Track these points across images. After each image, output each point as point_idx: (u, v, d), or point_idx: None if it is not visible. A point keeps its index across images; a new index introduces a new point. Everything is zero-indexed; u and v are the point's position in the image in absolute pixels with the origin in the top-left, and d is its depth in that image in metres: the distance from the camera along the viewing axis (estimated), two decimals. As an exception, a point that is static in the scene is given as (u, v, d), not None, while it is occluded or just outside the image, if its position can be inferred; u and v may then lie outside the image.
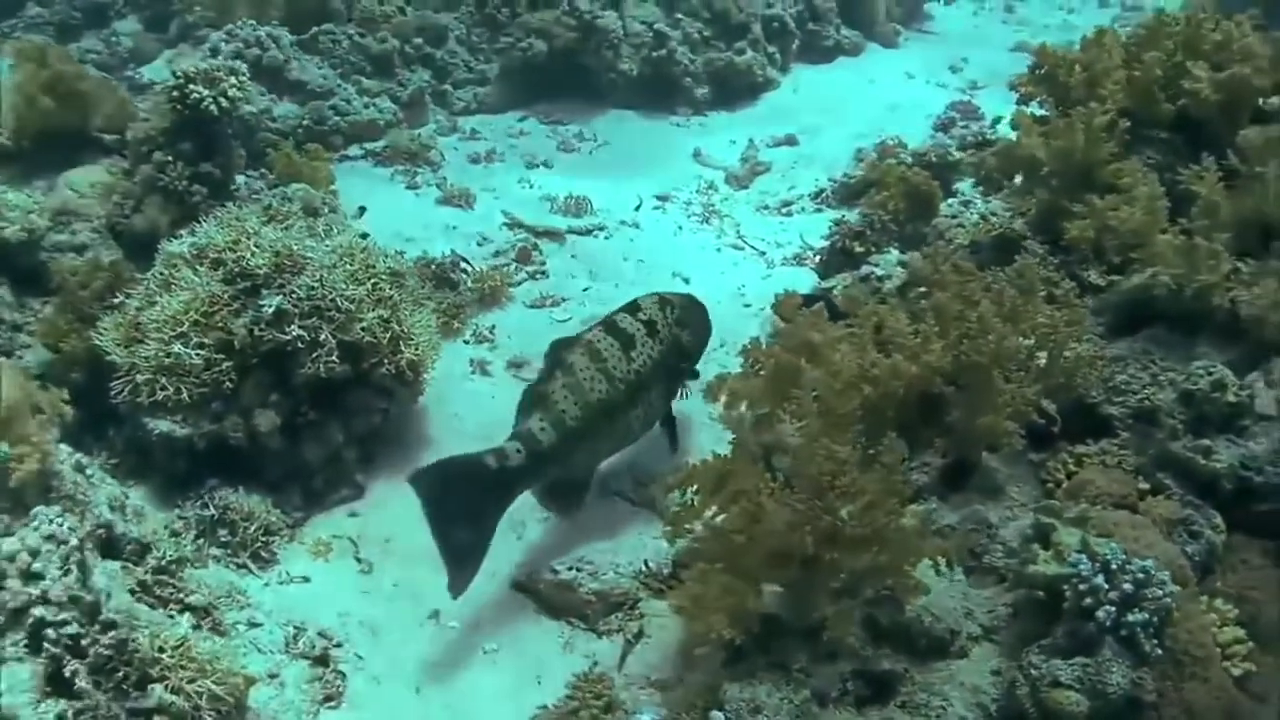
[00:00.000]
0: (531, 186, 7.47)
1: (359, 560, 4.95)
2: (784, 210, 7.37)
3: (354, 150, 7.56)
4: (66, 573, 3.82)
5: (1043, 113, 5.40)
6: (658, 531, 5.09)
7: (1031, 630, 3.50)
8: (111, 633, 3.78)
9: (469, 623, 4.72)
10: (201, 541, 4.76)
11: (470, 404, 5.68)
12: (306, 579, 4.84)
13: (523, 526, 5.14)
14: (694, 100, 8.43)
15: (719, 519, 3.54)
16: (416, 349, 5.12)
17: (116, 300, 5.16)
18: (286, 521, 4.98)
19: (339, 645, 4.54)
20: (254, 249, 5.01)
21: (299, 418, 5.03)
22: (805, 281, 6.47)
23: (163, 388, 4.86)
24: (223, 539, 4.82)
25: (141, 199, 5.68)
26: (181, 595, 4.32)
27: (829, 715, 3.39)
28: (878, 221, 5.76)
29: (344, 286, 4.97)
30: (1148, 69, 5.00)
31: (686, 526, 3.59)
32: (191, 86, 5.60)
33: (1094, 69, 5.17)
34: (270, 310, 4.87)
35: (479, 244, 6.66)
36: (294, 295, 4.90)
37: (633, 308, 5.12)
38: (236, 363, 4.92)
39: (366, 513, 5.15)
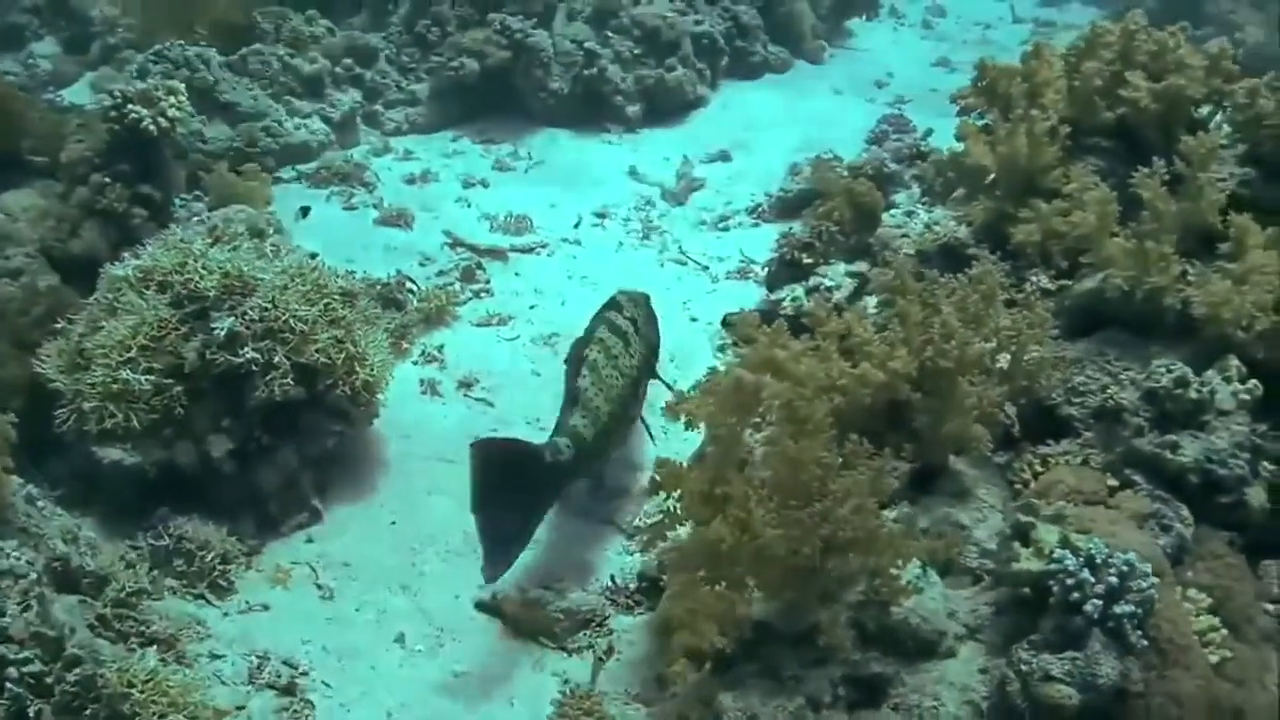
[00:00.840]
0: (470, 206, 7.39)
1: (319, 586, 4.82)
2: (721, 225, 7.39)
3: (286, 172, 7.39)
4: (26, 608, 3.67)
5: (985, 122, 5.48)
6: (620, 548, 5.07)
7: (1017, 627, 3.52)
8: (76, 669, 3.63)
9: (435, 646, 4.63)
10: (156, 573, 4.58)
11: (423, 425, 5.58)
12: (266, 607, 4.69)
13: (483, 547, 5.06)
14: (625, 118, 8.43)
15: (705, 527, 3.51)
16: (371, 370, 5.02)
17: (58, 326, 4.98)
18: (243, 549, 4.84)
19: (305, 673, 4.41)
20: (202, 271, 4.88)
21: (252, 442, 4.89)
22: (750, 295, 6.50)
23: (111, 415, 4.69)
24: (178, 569, 4.66)
25: (79, 222, 5.48)
26: (142, 628, 4.17)
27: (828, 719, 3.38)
28: (825, 233, 5.79)
29: (297, 307, 4.85)
30: (1087, 79, 5.11)
31: (668, 534, 3.54)
32: (130, 106, 5.43)
33: (1034, 80, 5.27)
34: (222, 332, 4.73)
35: (421, 264, 6.56)
36: (246, 317, 4.77)
37: (616, 305, 5.16)
38: (187, 387, 4.77)
39: (324, 538, 5.03)
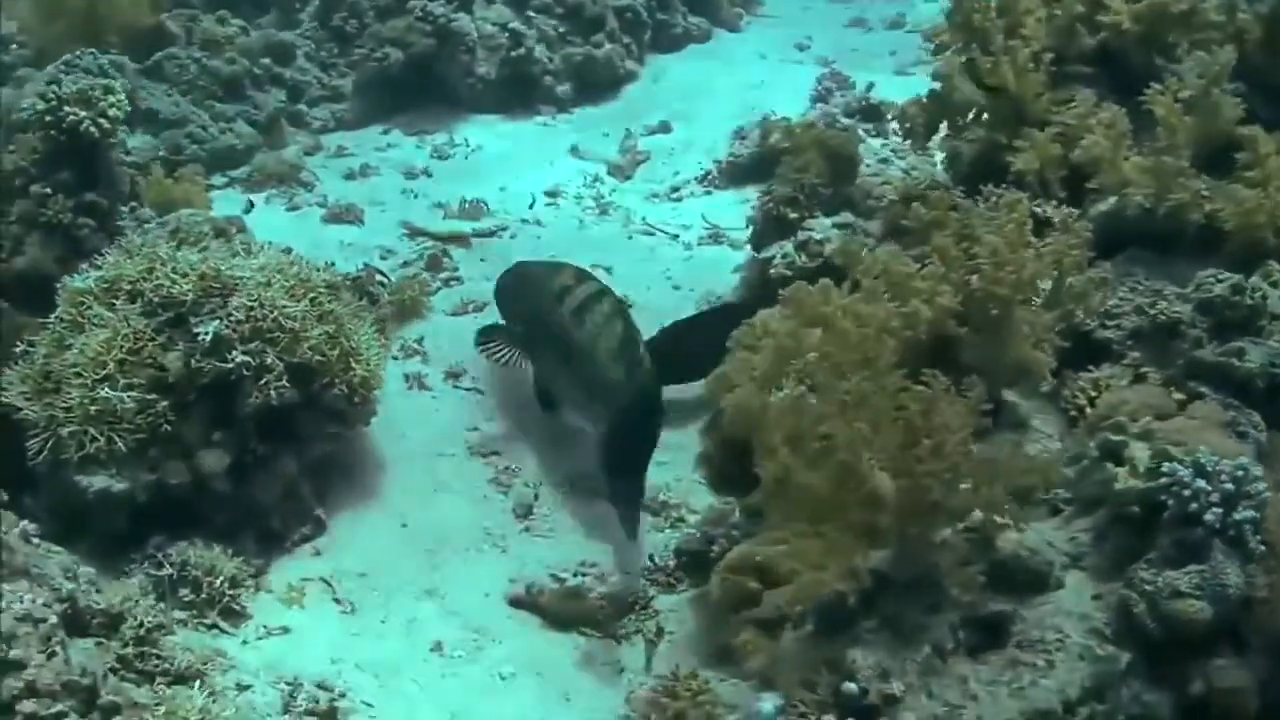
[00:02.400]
0: (417, 196, 6.96)
1: (338, 601, 4.42)
2: (674, 195, 7.11)
3: (217, 179, 6.85)
4: (50, 655, 3.20)
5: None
6: (647, 525, 4.76)
7: (1123, 549, 3.33)
8: (117, 718, 3.18)
9: (475, 649, 4.27)
10: (163, 605, 4.10)
11: (415, 421, 5.18)
12: (286, 630, 4.27)
13: (504, 539, 4.71)
14: (556, 98, 8.06)
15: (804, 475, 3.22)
16: (367, 365, 4.60)
17: (16, 350, 4.45)
18: (249, 570, 4.38)
19: (342, 695, 3.99)
20: (173, 275, 4.41)
21: (247, 454, 4.44)
22: (727, 259, 6.25)
23: (93, 439, 4.20)
24: (185, 599, 4.19)
25: (20, 238, 4.92)
26: (167, 665, 3.70)
27: (953, 668, 3.13)
28: (807, 186, 5.56)
29: (284, 304, 4.41)
30: (1068, 5, 4.98)
31: (777, 480, 3.22)
32: (67, 109, 4.88)
33: (1012, 11, 5.11)
34: (208, 338, 4.27)
35: (382, 257, 6.13)
36: (232, 319, 4.32)
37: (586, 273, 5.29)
38: (172, 401, 4.31)
39: (333, 549, 4.61)
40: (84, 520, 4.33)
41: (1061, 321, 4.03)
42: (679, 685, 3.23)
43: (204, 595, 4.20)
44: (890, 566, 3.20)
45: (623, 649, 4.27)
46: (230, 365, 4.28)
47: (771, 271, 5.49)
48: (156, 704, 3.25)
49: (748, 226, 5.78)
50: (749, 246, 5.82)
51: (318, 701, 3.91)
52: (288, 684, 3.98)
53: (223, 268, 4.42)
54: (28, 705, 3.07)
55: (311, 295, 4.54)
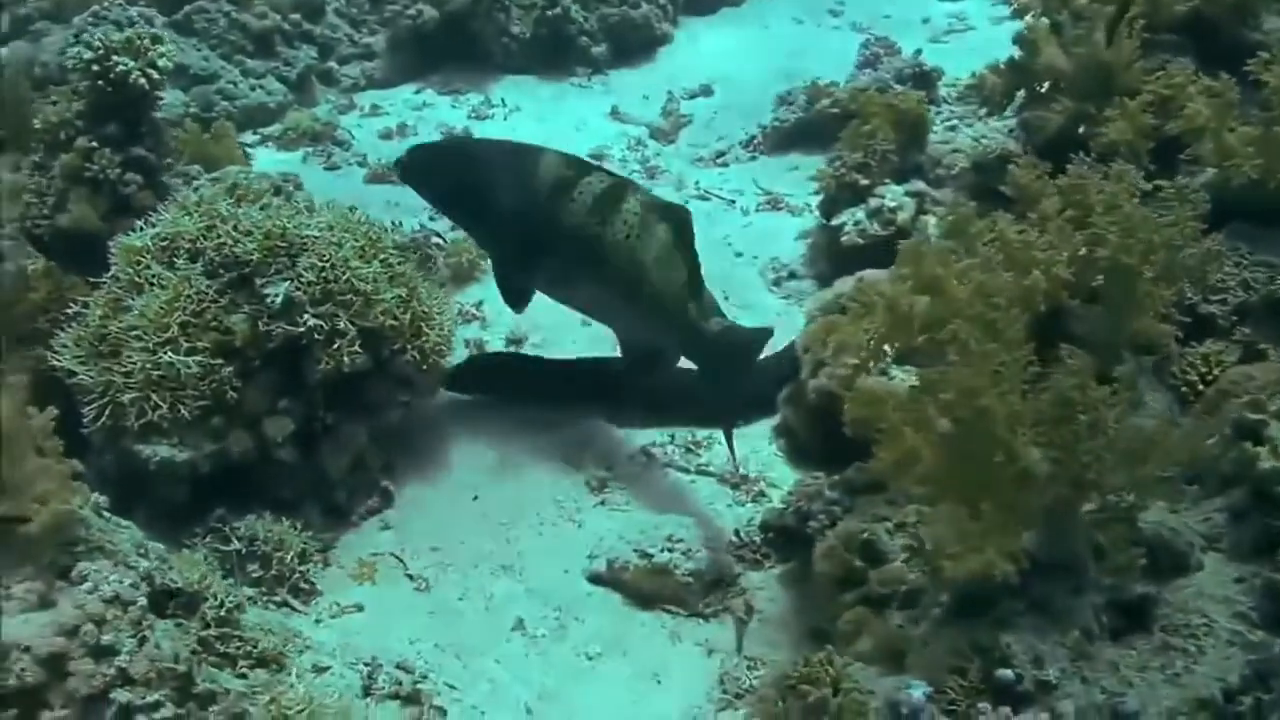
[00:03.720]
0: (458, 156, 6.64)
1: (411, 577, 4.17)
2: (719, 160, 6.84)
3: (248, 136, 6.52)
4: (142, 641, 2.95)
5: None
6: (727, 499, 4.53)
7: (1265, 529, 3.13)
8: (214, 708, 2.93)
9: (559, 628, 4.02)
10: (231, 581, 3.85)
11: (481, 389, 4.91)
12: (360, 608, 4.02)
13: (578, 512, 4.47)
14: (592, 59, 7.75)
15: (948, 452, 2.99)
16: (439, 330, 4.33)
17: (69, 312, 4.16)
18: (316, 545, 4.13)
19: (424, 678, 3.75)
20: (235, 234, 4.11)
21: (314, 422, 4.18)
22: (787, 226, 6.00)
23: (154, 406, 3.91)
24: (254, 575, 3.94)
25: (64, 194, 4.60)
26: (249, 648, 3.43)
27: (1101, 654, 2.92)
28: (878, 152, 5.32)
29: (356, 265, 4.13)
30: (1162, -33, 4.74)
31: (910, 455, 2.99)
32: (115, 58, 4.55)
33: (1100, -27, 4.87)
34: (278, 299, 3.99)
35: (431, 218, 5.82)
36: (302, 280, 4.03)
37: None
38: (238, 366, 4.03)
39: (402, 523, 4.36)
40: (142, 491, 4.07)
41: (1177, 295, 3.83)
42: (817, 669, 2.99)
43: (273, 571, 3.96)
44: (1036, 547, 2.97)
45: (710, 628, 4.06)
46: (301, 329, 4.00)
47: (843, 239, 5.31)
48: (255, 691, 2.99)
49: (817, 192, 5.53)
50: (815, 213, 5.58)
51: (400, 684, 3.67)
52: (366, 665, 3.73)
53: (289, 226, 4.13)
54: (122, 695, 2.82)
55: (382, 257, 4.26)
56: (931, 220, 5.27)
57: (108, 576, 2.98)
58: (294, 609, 3.95)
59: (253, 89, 6.73)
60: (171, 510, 4.07)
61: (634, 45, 7.94)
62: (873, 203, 5.23)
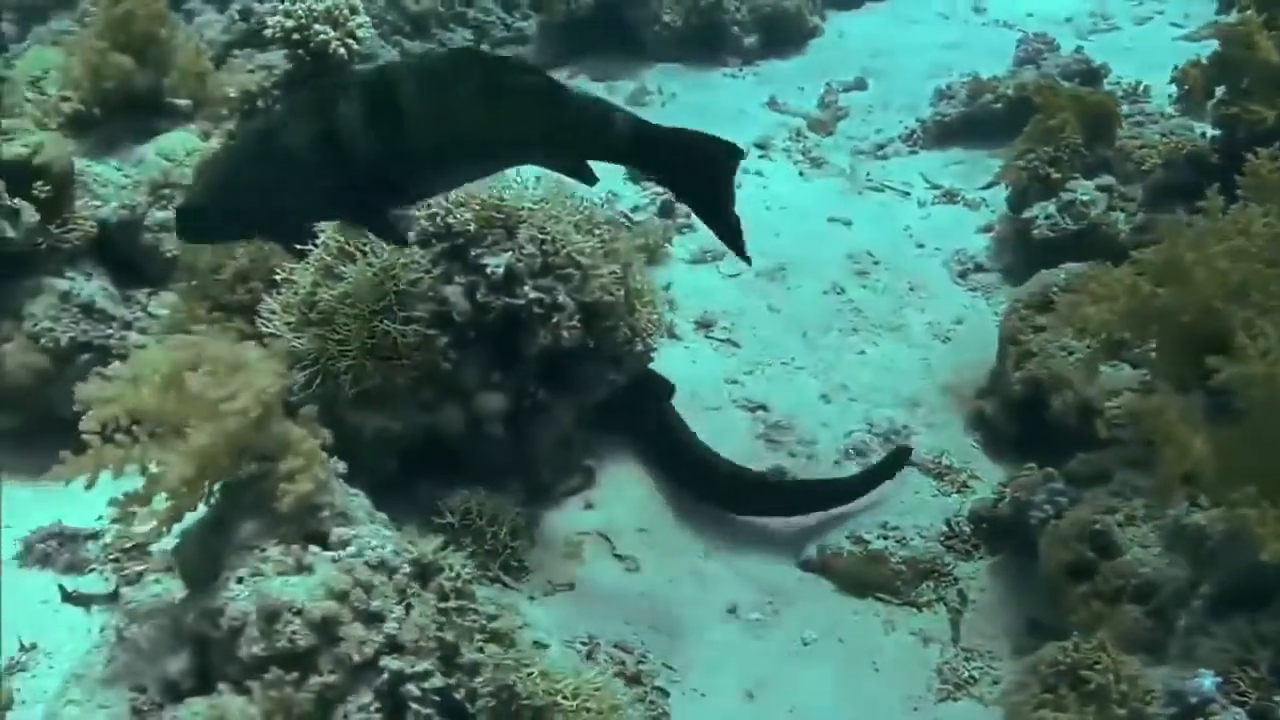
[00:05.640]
0: (623, 142, 6.47)
1: (620, 558, 4.00)
2: (879, 154, 6.60)
3: (409, 117, 6.39)
4: (408, 609, 2.78)
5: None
6: (933, 489, 4.33)
7: None
8: (479, 678, 2.78)
9: (772, 613, 3.85)
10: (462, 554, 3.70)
11: (673, 372, 4.66)
12: (571, 586, 3.87)
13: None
14: (743, 49, 7.55)
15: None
16: (653, 308, 4.16)
17: (278, 278, 4.04)
18: (524, 523, 3.98)
19: (643, 659, 3.59)
20: (449, 204, 3.96)
21: (525, 399, 4.02)
22: (966, 220, 5.76)
23: (370, 375, 3.78)
24: (468, 549, 3.77)
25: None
26: (484, 622, 3.26)
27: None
28: (1070, 146, 5.08)
29: (575, 239, 3.97)
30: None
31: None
32: (317, 27, 4.44)
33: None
34: (499, 271, 3.83)
35: (608, 202, 5.66)
36: (522, 252, 3.88)
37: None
38: (453, 338, 3.88)
39: (605, 503, 4.18)
40: (353, 461, 3.92)
41: None
42: (1091, 656, 2.78)
43: (487, 547, 3.80)
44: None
45: (924, 617, 3.87)
46: (521, 302, 3.84)
47: (1034, 233, 5.09)
48: (523, 663, 2.83)
49: (989, 186, 5.31)
50: (988, 206, 5.37)
51: (623, 664, 3.52)
52: (584, 644, 3.59)
53: (505, 197, 3.98)
54: (392, 662, 2.66)
55: (597, 231, 4.09)
56: (1121, 216, 5.06)
57: (370, 542, 2.83)
58: (507, 585, 3.80)
59: (414, 70, 6.61)
60: (382, 481, 3.93)
61: (786, 36, 7.72)
62: (1064, 196, 5.01)
